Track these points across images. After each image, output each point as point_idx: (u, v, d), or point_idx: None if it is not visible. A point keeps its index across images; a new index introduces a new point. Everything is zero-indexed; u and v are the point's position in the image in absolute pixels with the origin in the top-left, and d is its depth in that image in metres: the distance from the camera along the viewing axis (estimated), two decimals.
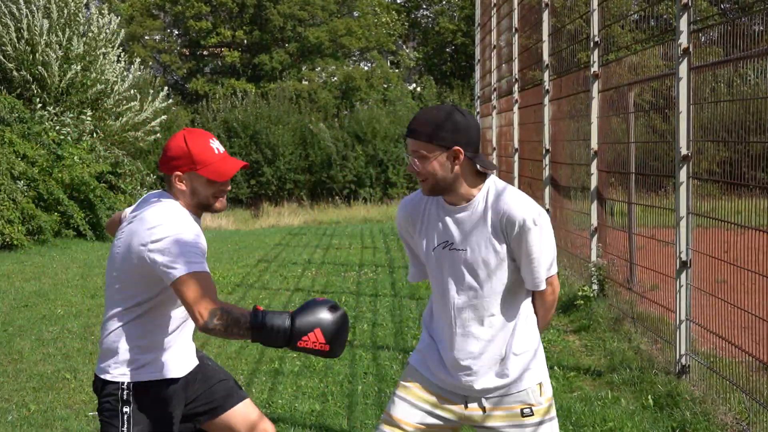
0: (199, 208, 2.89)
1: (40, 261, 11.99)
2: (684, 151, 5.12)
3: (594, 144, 7.51)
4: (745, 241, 4.60)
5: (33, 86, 16.90)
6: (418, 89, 32.55)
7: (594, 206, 7.54)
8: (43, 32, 16.76)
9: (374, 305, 8.12)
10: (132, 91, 19.14)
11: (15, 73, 16.80)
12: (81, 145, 15.98)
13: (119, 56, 18.96)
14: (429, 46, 34.78)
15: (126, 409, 2.74)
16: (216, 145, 2.81)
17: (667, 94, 6.00)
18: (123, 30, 20.08)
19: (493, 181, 2.58)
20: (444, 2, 35.22)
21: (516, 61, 11.51)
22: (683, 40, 5.12)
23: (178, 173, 2.78)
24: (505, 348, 2.59)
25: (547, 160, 9.39)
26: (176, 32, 34.07)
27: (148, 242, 2.66)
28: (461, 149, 2.48)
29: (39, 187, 14.09)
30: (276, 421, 4.78)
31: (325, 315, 2.46)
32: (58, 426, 4.83)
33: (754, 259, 4.52)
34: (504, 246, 2.52)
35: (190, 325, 2.92)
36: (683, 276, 5.15)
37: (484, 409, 2.61)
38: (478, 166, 2.53)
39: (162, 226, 2.68)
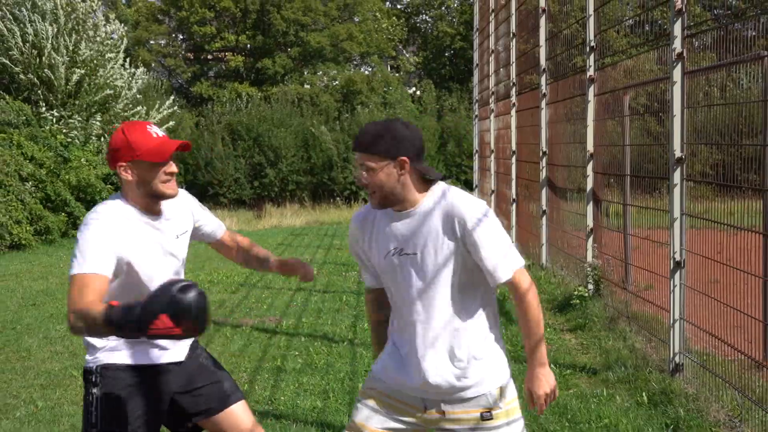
0: (151, 198, 2.81)
1: (47, 260, 12.09)
2: (678, 153, 5.19)
3: (590, 146, 7.60)
4: (737, 241, 4.66)
5: (41, 90, 17.03)
6: (418, 93, 32.66)
7: (590, 207, 7.62)
8: (48, 36, 16.86)
9: None
10: (139, 96, 19.36)
11: (22, 76, 16.92)
12: (88, 147, 16.12)
13: (124, 63, 19.13)
14: (428, 51, 34.88)
15: (95, 391, 2.78)
16: (154, 130, 2.81)
17: (661, 98, 6.07)
18: (128, 35, 20.24)
19: (438, 186, 2.61)
20: (443, 8, 35.34)
21: (513, 65, 11.60)
22: (677, 45, 5.19)
23: (122, 164, 2.77)
24: (463, 350, 2.59)
25: (544, 163, 9.48)
26: (181, 37, 34.26)
27: None
28: (406, 159, 2.52)
29: (46, 189, 14.24)
30: (278, 417, 4.86)
31: (170, 299, 2.35)
32: (65, 422, 4.91)
33: (747, 260, 4.58)
34: (454, 246, 2.53)
35: None
36: (677, 276, 5.22)
37: (443, 413, 2.62)
38: (424, 175, 2.58)
39: (82, 225, 2.74)
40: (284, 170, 25.76)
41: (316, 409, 5.01)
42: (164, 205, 2.87)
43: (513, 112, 11.59)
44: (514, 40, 11.57)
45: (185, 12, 31.89)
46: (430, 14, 35.81)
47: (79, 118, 17.00)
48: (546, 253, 9.59)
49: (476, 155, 16.79)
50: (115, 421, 2.77)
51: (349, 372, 5.78)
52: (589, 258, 7.60)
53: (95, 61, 17.94)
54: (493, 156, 13.87)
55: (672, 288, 5.24)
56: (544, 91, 9.50)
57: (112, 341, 2.80)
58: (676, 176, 5.21)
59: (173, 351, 2.90)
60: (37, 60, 17.13)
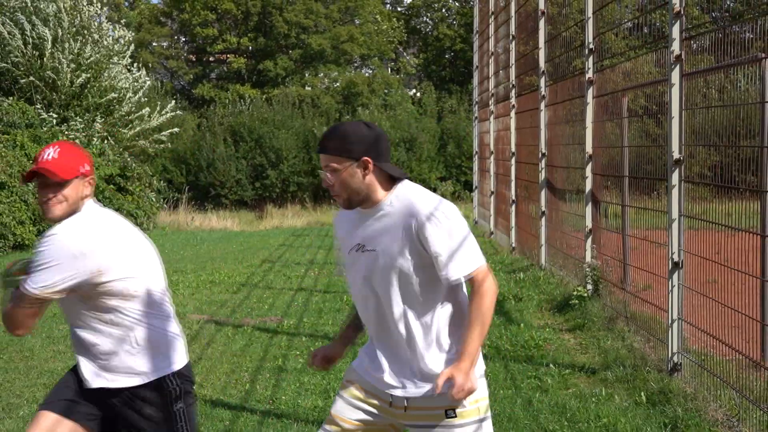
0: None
1: None
2: (676, 155, 5.23)
3: (589, 148, 7.64)
4: (735, 242, 4.69)
5: (44, 90, 17.12)
6: (418, 95, 32.72)
7: (588, 208, 7.66)
8: (48, 39, 16.95)
9: None
10: (142, 101, 19.52)
11: (23, 79, 17.03)
12: (90, 149, 16.21)
13: (129, 67, 19.26)
14: (428, 53, 34.93)
15: (180, 406, 3.01)
16: (46, 152, 2.91)
17: (659, 100, 6.10)
18: (133, 40, 20.40)
19: (403, 185, 2.64)
20: (443, 10, 35.40)
21: (513, 67, 11.65)
22: (675, 47, 5.23)
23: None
24: (422, 348, 2.61)
25: (543, 164, 9.52)
26: (183, 39, 34.38)
27: None
28: (369, 159, 2.56)
29: None
30: (279, 417, 4.90)
31: None
32: None
33: (744, 260, 4.62)
34: (413, 244, 2.55)
35: (79, 339, 2.98)
36: (675, 276, 5.26)
37: (405, 408, 2.66)
38: (389, 174, 2.62)
39: None
40: (285, 171, 25.85)
41: (317, 408, 5.05)
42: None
43: (512, 113, 11.63)
44: (513, 43, 11.61)
45: (187, 14, 31.99)
46: (430, 16, 35.86)
47: (81, 119, 17.09)
48: (545, 253, 9.63)
49: (476, 156, 16.83)
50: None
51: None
52: (588, 258, 7.64)
53: (100, 64, 18.05)
54: (492, 157, 13.90)
55: (670, 288, 5.28)
56: (543, 92, 9.54)
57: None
58: (675, 177, 5.24)
59: (83, 373, 2.95)
60: (39, 62, 17.20)
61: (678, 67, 5.24)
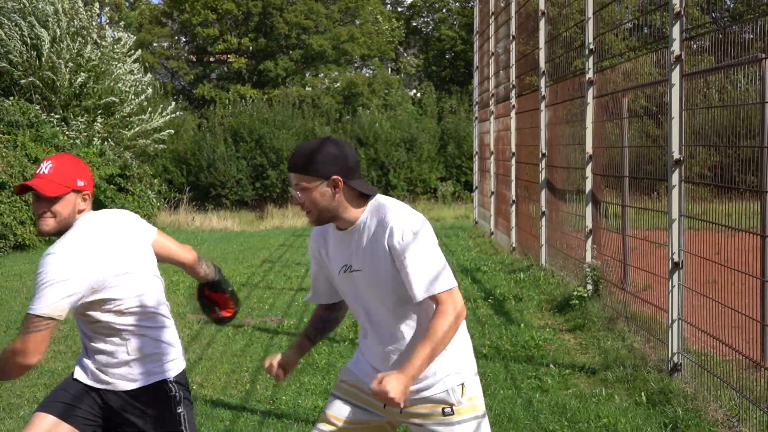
0: None
1: None
2: (676, 155, 5.24)
3: (589, 148, 7.64)
4: (735, 242, 4.70)
5: (44, 91, 17.15)
6: (418, 95, 32.75)
7: (589, 209, 7.67)
8: (45, 39, 16.98)
9: None
10: (145, 104, 19.59)
11: (22, 79, 17.05)
12: (91, 149, 16.24)
13: (132, 71, 19.30)
14: (429, 53, 34.96)
15: (180, 410, 3.04)
16: (43, 165, 2.93)
17: (660, 100, 6.11)
18: (135, 42, 20.45)
19: (375, 200, 2.64)
20: (444, 10, 35.43)
21: (513, 67, 11.65)
22: (676, 47, 5.24)
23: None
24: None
25: (543, 164, 9.53)
26: (184, 39, 34.41)
27: None
28: (339, 178, 2.55)
29: None
30: (280, 417, 4.91)
31: None
32: None
33: (744, 260, 4.63)
34: (389, 259, 2.56)
35: (83, 340, 3.04)
36: (675, 276, 5.27)
37: (400, 411, 2.67)
38: (359, 191, 2.62)
39: None
40: (286, 171, 25.86)
41: (318, 408, 5.05)
42: None
43: (513, 114, 11.63)
44: (513, 43, 11.62)
45: (188, 14, 32.01)
46: (431, 17, 35.89)
47: (82, 120, 17.13)
48: (545, 253, 9.64)
49: (476, 157, 16.84)
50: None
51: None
52: (588, 258, 7.64)
53: (100, 65, 18.08)
54: (492, 157, 13.91)
55: (670, 288, 5.28)
56: (543, 93, 9.55)
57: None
58: (675, 178, 5.25)
59: (93, 381, 3.00)
60: (37, 62, 17.24)
61: (678, 67, 5.25)
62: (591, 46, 7.49)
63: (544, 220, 9.57)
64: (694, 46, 5.66)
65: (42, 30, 17.01)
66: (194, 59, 34.00)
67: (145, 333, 2.95)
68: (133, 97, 18.91)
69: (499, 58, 13.53)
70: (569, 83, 8.67)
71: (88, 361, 3.00)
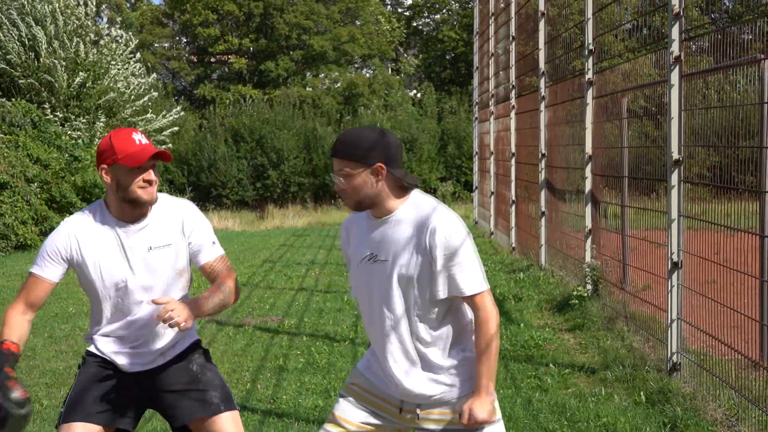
0: (127, 204, 2.92)
1: None
2: (675, 155, 5.25)
3: (588, 149, 7.66)
4: (734, 242, 4.70)
5: (44, 92, 17.18)
6: (418, 95, 32.76)
7: (588, 209, 7.68)
8: (42, 41, 17.02)
9: None
10: (149, 104, 19.64)
11: (21, 80, 17.08)
12: (92, 148, 16.29)
13: (134, 73, 19.34)
14: (429, 54, 34.98)
15: (79, 368, 3.14)
16: (138, 137, 2.91)
17: (659, 101, 6.11)
18: (136, 43, 20.49)
19: (416, 195, 2.64)
20: (445, 11, 35.45)
21: (513, 68, 11.67)
22: (675, 48, 5.25)
23: (104, 166, 2.91)
24: (435, 358, 2.63)
25: (543, 164, 9.54)
26: (185, 40, 34.44)
27: None
28: (383, 165, 2.56)
29: (52, 190, 14.37)
30: (280, 416, 4.92)
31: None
32: None
33: (743, 260, 4.63)
34: (425, 258, 2.56)
35: (140, 329, 3.01)
36: (674, 276, 5.27)
37: (417, 415, 2.67)
38: (401, 181, 2.62)
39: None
40: (286, 172, 25.93)
41: (318, 408, 5.06)
42: (149, 213, 2.96)
43: (512, 114, 11.65)
44: (513, 44, 11.63)
45: (189, 15, 32.05)
46: (431, 18, 35.91)
47: (84, 120, 17.17)
48: (545, 253, 9.65)
49: (476, 157, 16.85)
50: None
51: (350, 371, 5.82)
52: (588, 258, 7.66)
53: (100, 65, 18.10)
54: (492, 158, 13.93)
55: (669, 288, 5.29)
56: (543, 93, 9.56)
57: (92, 329, 3.10)
58: (674, 178, 5.26)
59: (143, 363, 3.05)
60: (35, 63, 17.26)
61: (677, 68, 5.26)
62: (590, 47, 7.51)
63: (543, 220, 9.59)
64: (694, 46, 5.66)
65: (39, 29, 17.04)
66: (195, 60, 34.04)
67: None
68: (135, 98, 18.96)
69: (499, 58, 13.54)
70: (569, 84, 8.68)
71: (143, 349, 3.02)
